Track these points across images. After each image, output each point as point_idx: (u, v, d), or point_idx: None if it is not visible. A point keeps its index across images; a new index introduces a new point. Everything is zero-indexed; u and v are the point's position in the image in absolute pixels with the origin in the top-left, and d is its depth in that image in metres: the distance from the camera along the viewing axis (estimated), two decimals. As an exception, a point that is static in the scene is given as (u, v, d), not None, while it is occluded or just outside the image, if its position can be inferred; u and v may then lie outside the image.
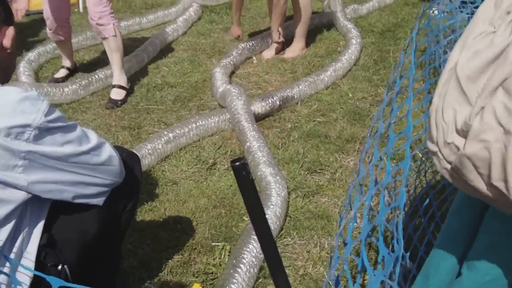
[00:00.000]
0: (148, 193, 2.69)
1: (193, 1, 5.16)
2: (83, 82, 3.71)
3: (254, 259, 2.19)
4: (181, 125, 3.09)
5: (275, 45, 4.26)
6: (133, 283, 2.21)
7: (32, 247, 1.63)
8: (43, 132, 1.53)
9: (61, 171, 1.58)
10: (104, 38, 3.60)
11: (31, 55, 4.17)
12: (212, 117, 3.18)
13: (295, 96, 3.46)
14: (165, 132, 3.01)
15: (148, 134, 3.23)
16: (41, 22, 3.68)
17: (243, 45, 4.14)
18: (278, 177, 2.61)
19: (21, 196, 1.55)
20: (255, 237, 2.26)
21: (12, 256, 1.59)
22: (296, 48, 4.22)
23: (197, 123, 3.12)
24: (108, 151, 1.72)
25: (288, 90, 3.45)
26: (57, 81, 3.91)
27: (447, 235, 1.57)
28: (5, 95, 1.53)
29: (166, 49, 4.42)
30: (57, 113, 1.59)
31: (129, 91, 3.71)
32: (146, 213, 2.59)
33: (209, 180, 2.82)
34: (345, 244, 1.85)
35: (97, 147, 1.68)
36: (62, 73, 3.98)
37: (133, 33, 4.84)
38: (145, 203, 2.63)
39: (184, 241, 2.42)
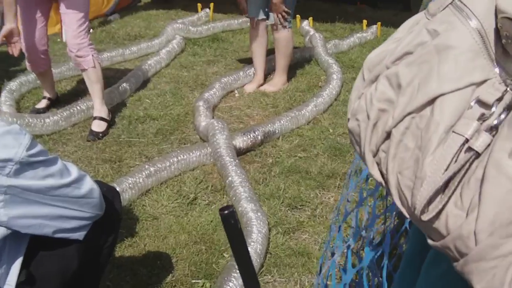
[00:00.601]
0: (128, 228, 2.68)
1: (176, 34, 5.20)
2: (65, 113, 3.70)
3: (234, 297, 2.18)
4: (162, 159, 3.09)
5: (257, 79, 4.30)
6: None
7: (10, 284, 1.62)
8: (24, 166, 1.53)
9: (42, 205, 1.58)
10: (84, 70, 3.59)
11: (12, 84, 4.16)
12: (194, 151, 3.19)
13: (277, 131, 3.48)
14: (146, 166, 3.01)
15: (129, 168, 3.23)
16: (20, 53, 3.66)
17: (225, 79, 4.17)
18: (259, 214, 2.62)
19: (1, 232, 1.54)
20: (236, 274, 2.26)
21: None
22: (278, 82, 4.27)
23: (179, 157, 3.12)
24: (88, 184, 1.72)
25: (269, 125, 3.48)
26: (38, 111, 3.89)
27: (404, 260, 1.59)
28: None
29: (149, 81, 4.44)
30: (38, 147, 1.59)
31: (110, 123, 3.70)
32: (125, 249, 2.57)
33: (189, 215, 2.81)
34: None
35: (78, 180, 1.68)
36: (43, 103, 3.97)
37: (116, 64, 4.85)
38: (124, 238, 2.61)
39: (164, 278, 2.40)
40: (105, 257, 2.00)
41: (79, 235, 1.72)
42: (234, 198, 2.79)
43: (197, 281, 2.38)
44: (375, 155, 1.06)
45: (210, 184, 3.05)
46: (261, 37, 4.25)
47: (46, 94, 4.00)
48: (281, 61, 4.23)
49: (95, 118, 3.63)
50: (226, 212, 1.01)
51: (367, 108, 1.08)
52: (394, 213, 1.35)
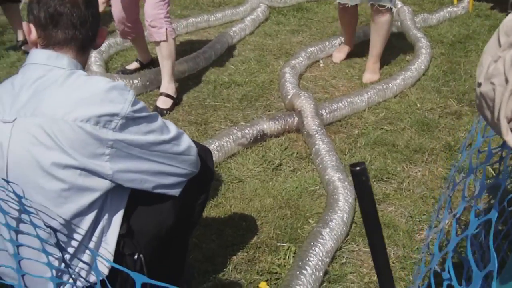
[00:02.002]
0: (214, 189, 2.72)
1: (260, 2, 5.17)
2: (153, 76, 3.77)
3: (320, 263, 2.19)
4: (249, 125, 3.11)
5: (345, 48, 4.21)
6: (198, 276, 2.24)
7: (112, 236, 1.67)
8: (129, 121, 1.57)
9: (143, 160, 1.62)
10: (156, 42, 3.49)
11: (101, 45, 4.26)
12: (279, 119, 3.19)
13: (363, 103, 3.43)
14: (234, 131, 3.03)
15: (215, 131, 3.27)
16: (111, 14, 3.73)
17: (311, 48, 4.12)
18: (346, 183, 2.60)
19: (104, 185, 1.59)
20: (322, 240, 2.27)
21: (91, 244, 1.63)
22: (376, 68, 3.96)
23: (265, 125, 3.13)
24: (186, 141, 1.76)
25: (356, 97, 3.43)
26: (126, 72, 3.99)
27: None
28: (95, 84, 1.58)
29: (233, 48, 4.45)
30: (141, 104, 1.63)
31: (176, 101, 3.61)
32: (211, 209, 2.61)
33: (274, 181, 2.82)
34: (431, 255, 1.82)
35: (177, 137, 1.72)
36: (133, 65, 4.06)
37: (200, 30, 4.89)
38: (211, 198, 2.65)
39: (249, 239, 2.43)
40: (196, 214, 2.05)
41: (176, 192, 1.77)
42: (320, 166, 2.78)
43: (282, 244, 2.40)
44: (510, 121, 1.02)
45: (295, 151, 3.05)
46: (353, 18, 4.09)
47: (139, 58, 4.08)
48: (380, 47, 3.89)
49: (161, 94, 3.55)
50: (357, 168, 0.99)
51: (505, 71, 1.04)
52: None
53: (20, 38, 4.55)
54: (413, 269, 2.24)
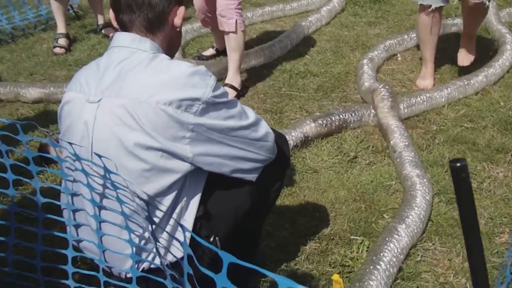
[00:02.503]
0: (288, 178, 2.71)
1: (338, -8, 5.11)
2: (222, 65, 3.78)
3: (394, 259, 2.15)
4: (324, 115, 3.08)
5: (429, 73, 3.66)
6: (270, 264, 2.24)
7: (189, 217, 1.69)
8: (209, 106, 1.58)
9: (222, 145, 1.64)
10: (225, 33, 3.46)
11: (180, 31, 4.33)
12: (356, 110, 3.15)
13: (443, 99, 3.34)
14: (308, 121, 3.02)
15: (290, 120, 3.26)
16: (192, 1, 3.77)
17: (389, 41, 4.04)
18: (425, 180, 2.54)
19: (184, 167, 1.61)
20: (398, 236, 2.23)
21: (169, 226, 1.65)
22: (472, 47, 3.72)
23: (341, 116, 3.10)
24: (264, 127, 1.76)
25: (436, 92, 3.34)
26: (202, 58, 4.03)
27: None
28: (177, 68, 1.60)
29: (309, 38, 4.42)
30: (222, 89, 1.65)
31: (241, 93, 3.58)
32: (285, 197, 2.61)
33: (349, 173, 2.80)
34: None
35: (255, 123, 1.72)
36: (209, 52, 4.10)
37: (276, 19, 4.88)
38: (285, 187, 2.65)
39: (322, 230, 2.42)
40: (270, 202, 2.05)
41: (252, 177, 1.77)
42: (397, 160, 2.73)
43: (355, 237, 2.37)
44: None
45: (371, 145, 3.00)
46: (436, 24, 3.49)
47: (216, 45, 4.11)
48: (474, 28, 3.61)
49: (225, 85, 3.52)
50: (458, 165, 0.95)
51: None
52: None
53: (101, 22, 4.68)
54: (492, 273, 2.17)
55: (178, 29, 1.76)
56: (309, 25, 4.49)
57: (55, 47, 4.37)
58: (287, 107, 3.40)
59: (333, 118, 3.07)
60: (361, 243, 2.34)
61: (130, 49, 1.64)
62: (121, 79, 1.59)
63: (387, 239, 2.22)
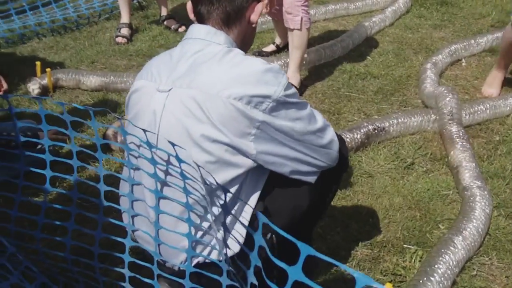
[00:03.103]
0: (342, 181, 2.64)
1: (403, -7, 5.01)
2: (287, 60, 3.76)
3: (449, 271, 2.09)
4: (382, 119, 3.02)
5: (497, 78, 3.56)
6: (320, 266, 2.21)
7: (248, 212, 1.68)
8: (279, 105, 1.56)
9: (286, 146, 1.62)
10: (290, 30, 3.44)
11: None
12: (416, 115, 3.07)
13: (507, 108, 3.22)
14: (365, 124, 2.97)
15: (347, 122, 3.21)
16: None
17: (454, 46, 3.93)
18: (485, 192, 2.45)
19: (248, 163, 1.60)
20: (453, 249, 2.16)
21: (228, 219, 1.65)
22: None
23: (399, 120, 3.03)
24: (331, 135, 1.73)
25: (500, 101, 3.23)
26: (262, 54, 4.02)
27: None
28: (251, 65, 1.59)
29: (371, 39, 4.35)
30: (293, 89, 1.62)
31: (299, 92, 3.52)
32: (338, 201, 2.58)
33: (405, 180, 2.73)
34: None
35: (323, 129, 1.69)
36: (270, 48, 4.08)
37: (339, 18, 4.83)
38: (339, 190, 2.60)
39: (374, 236, 2.37)
40: (326, 204, 2.02)
41: (311, 179, 1.75)
42: (457, 170, 2.65)
43: (409, 246, 2.31)
44: None
45: (429, 152, 2.93)
46: None
47: (276, 40, 4.09)
48: None
49: None
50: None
51: None
52: None
53: (163, 13, 4.73)
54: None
55: (253, 25, 1.76)
56: (372, 26, 4.41)
57: (117, 36, 4.45)
58: (345, 108, 3.35)
59: (392, 122, 3.01)
60: (414, 252, 2.28)
61: (205, 41, 1.64)
62: (193, 71, 1.59)
63: (442, 250, 2.15)
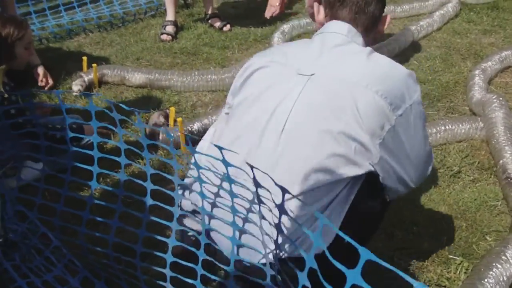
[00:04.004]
0: (386, 187, 2.62)
1: (452, -3, 4.90)
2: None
3: (498, 286, 2.02)
4: (429, 125, 2.96)
5: None
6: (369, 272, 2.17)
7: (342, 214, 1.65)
8: (411, 112, 1.58)
9: (397, 159, 1.61)
10: None
11: (285, 27, 4.32)
12: (464, 123, 2.99)
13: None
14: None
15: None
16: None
17: (505, 52, 3.82)
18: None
19: (366, 167, 1.59)
20: (504, 262, 2.09)
21: (286, 221, 1.60)
22: None
23: (446, 127, 2.96)
24: (432, 160, 1.77)
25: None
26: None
27: None
28: (396, 67, 1.64)
29: (418, 43, 4.27)
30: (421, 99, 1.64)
31: None
32: (382, 207, 2.53)
33: (451, 188, 2.66)
34: None
35: (430, 153, 1.75)
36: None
37: (385, 21, 4.75)
38: (382, 196, 2.56)
39: (418, 245, 2.32)
40: (382, 217, 1.98)
41: (391, 197, 1.77)
42: (506, 181, 2.57)
43: (454, 257, 2.26)
44: None
45: (477, 161, 2.85)
46: None
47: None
48: None
49: None
50: None
51: None
52: None
53: (209, 11, 4.74)
54: None
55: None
56: (419, 30, 4.33)
57: (162, 33, 4.47)
58: (390, 113, 3.29)
59: (438, 129, 2.94)
60: (459, 263, 2.22)
61: (346, 38, 1.67)
62: (340, 61, 1.61)
63: (491, 263, 2.08)
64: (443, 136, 2.95)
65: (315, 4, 1.81)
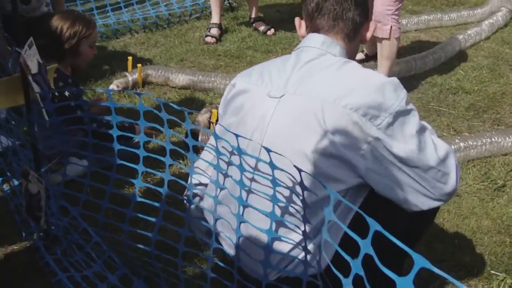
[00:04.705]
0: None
1: (502, 5, 4.80)
2: (376, 70, 3.69)
3: (540, 304, 1.97)
4: (474, 137, 2.90)
5: None
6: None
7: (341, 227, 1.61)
8: (395, 121, 1.49)
9: (395, 169, 1.52)
10: (379, 39, 3.37)
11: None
12: (510, 136, 2.93)
13: None
14: (456, 140, 2.86)
15: (436, 137, 3.11)
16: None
17: (556, 64, 3.74)
18: None
19: (353, 180, 1.54)
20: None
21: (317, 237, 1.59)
22: None
23: (492, 139, 2.90)
24: (450, 165, 1.59)
25: None
26: (350, 62, 3.96)
27: None
28: (371, 76, 1.56)
29: (465, 52, 4.20)
30: (412, 105, 1.54)
31: None
32: (423, 218, 2.49)
33: (495, 202, 2.61)
34: None
35: (442, 160, 1.56)
36: (359, 56, 4.01)
37: (431, 29, 4.69)
38: (423, 207, 2.52)
39: (459, 259, 2.28)
40: (421, 232, 1.89)
41: (417, 208, 1.60)
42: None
43: (496, 273, 2.20)
44: None
45: (523, 174, 2.79)
46: None
47: (365, 49, 4.03)
48: None
49: None
50: None
51: None
52: None
53: (253, 15, 4.75)
54: None
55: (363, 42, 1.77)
56: (467, 39, 4.26)
57: (206, 36, 4.50)
58: (434, 123, 3.24)
59: (484, 141, 2.89)
60: (502, 280, 2.17)
61: (320, 50, 1.63)
62: (308, 78, 1.57)
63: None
64: (488, 148, 2.89)
65: (297, 19, 1.77)
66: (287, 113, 1.55)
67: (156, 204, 1.91)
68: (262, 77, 1.65)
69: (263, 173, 1.52)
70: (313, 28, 1.69)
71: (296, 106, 1.54)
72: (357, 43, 1.73)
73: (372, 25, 1.73)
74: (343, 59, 1.61)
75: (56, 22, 2.69)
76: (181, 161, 2.74)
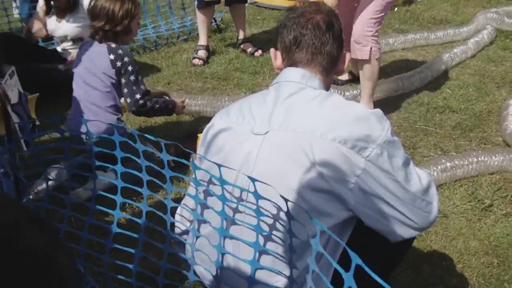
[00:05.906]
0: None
1: (488, 23, 4.83)
2: (356, 92, 3.68)
3: (528, 328, 1.95)
4: (461, 156, 2.90)
5: None
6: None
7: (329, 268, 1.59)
8: (383, 152, 1.48)
9: (382, 201, 1.52)
10: (359, 60, 3.37)
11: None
12: (497, 154, 2.93)
13: None
14: (443, 160, 2.85)
15: (423, 157, 3.10)
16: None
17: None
18: None
19: (342, 214, 1.53)
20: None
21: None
22: None
23: (479, 158, 2.90)
24: (433, 195, 1.61)
25: None
26: (337, 83, 3.96)
27: None
28: (355, 108, 1.55)
29: (451, 71, 4.21)
30: (396, 137, 1.55)
31: None
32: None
33: (482, 222, 2.59)
34: None
35: (425, 189, 1.58)
36: (345, 76, 4.02)
37: (418, 48, 4.71)
38: (410, 229, 2.50)
39: (447, 282, 2.25)
40: (399, 258, 1.90)
41: (397, 239, 1.61)
42: (540, 216, 2.50)
43: (484, 296, 2.19)
44: None
45: (510, 194, 2.77)
46: None
47: (352, 69, 4.03)
48: None
49: None
50: None
51: None
52: None
53: (241, 36, 4.76)
54: None
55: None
56: (453, 57, 4.27)
57: (194, 58, 4.51)
58: (421, 143, 3.24)
59: (470, 160, 2.88)
60: (490, 302, 2.15)
61: (300, 84, 1.63)
62: (292, 113, 1.55)
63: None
64: (475, 167, 2.88)
65: (272, 50, 1.77)
66: (273, 150, 1.53)
67: (135, 235, 1.88)
68: (242, 114, 1.63)
69: (252, 204, 1.50)
70: (290, 61, 1.68)
71: (283, 142, 1.52)
72: (333, 75, 1.74)
73: (347, 56, 1.74)
74: (324, 91, 1.61)
75: (107, 3, 2.83)
76: (160, 190, 2.71)
